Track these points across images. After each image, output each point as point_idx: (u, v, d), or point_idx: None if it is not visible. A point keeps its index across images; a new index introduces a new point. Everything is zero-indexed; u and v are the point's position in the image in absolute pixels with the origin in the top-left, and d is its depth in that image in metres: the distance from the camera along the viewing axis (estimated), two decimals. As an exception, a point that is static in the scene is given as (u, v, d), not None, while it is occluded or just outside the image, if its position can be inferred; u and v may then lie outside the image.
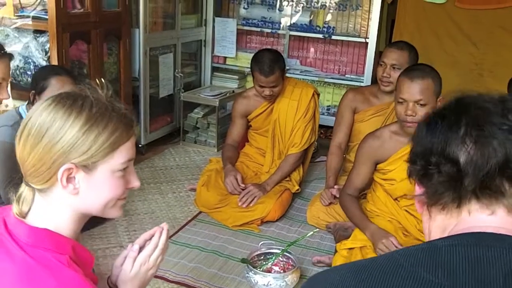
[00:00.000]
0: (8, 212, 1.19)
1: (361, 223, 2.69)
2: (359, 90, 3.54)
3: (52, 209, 1.18)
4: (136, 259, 1.38)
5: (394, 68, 3.14)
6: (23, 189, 1.19)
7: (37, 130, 1.13)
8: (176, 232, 3.12)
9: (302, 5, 4.88)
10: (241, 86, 5.10)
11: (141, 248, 1.41)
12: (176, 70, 4.66)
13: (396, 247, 2.45)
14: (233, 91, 4.85)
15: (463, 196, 0.88)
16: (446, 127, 0.91)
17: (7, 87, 1.87)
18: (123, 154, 1.19)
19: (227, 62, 5.18)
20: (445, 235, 0.90)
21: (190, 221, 3.29)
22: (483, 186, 0.86)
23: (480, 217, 0.88)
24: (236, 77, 5.09)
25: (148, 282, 1.40)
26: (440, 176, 0.89)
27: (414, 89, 2.45)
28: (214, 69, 5.21)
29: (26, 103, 2.64)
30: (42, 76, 2.63)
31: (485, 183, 0.86)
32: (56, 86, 2.55)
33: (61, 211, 1.19)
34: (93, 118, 1.14)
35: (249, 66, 4.90)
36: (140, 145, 4.27)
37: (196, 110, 4.75)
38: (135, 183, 1.25)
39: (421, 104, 2.46)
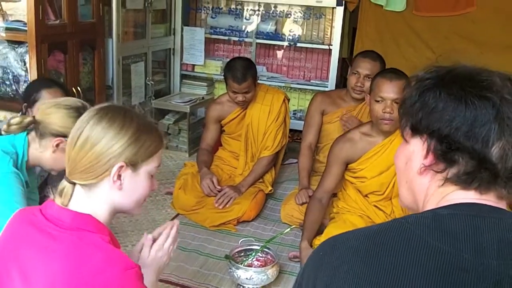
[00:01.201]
0: (44, 206, 1.37)
1: (304, 233, 2.90)
2: (327, 93, 3.75)
3: (92, 201, 1.39)
4: (152, 247, 1.58)
5: (367, 78, 3.32)
6: (65, 185, 1.38)
7: (94, 138, 1.35)
8: (157, 234, 3.25)
9: (267, 14, 5.07)
10: (209, 92, 5.26)
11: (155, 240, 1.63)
12: (147, 78, 4.78)
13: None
14: (203, 98, 5.00)
15: (493, 184, 0.99)
16: (474, 109, 0.97)
17: None
18: (158, 159, 1.46)
19: (195, 70, 5.33)
20: (444, 203, 1.01)
21: (168, 223, 3.42)
22: (508, 184, 0.99)
23: (477, 193, 1.00)
24: (205, 84, 5.24)
25: (163, 267, 1.61)
26: (468, 164, 0.98)
27: (392, 88, 2.66)
28: (183, 77, 5.34)
29: (20, 114, 2.74)
30: (33, 89, 2.73)
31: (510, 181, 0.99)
32: (47, 97, 2.66)
33: (100, 204, 1.39)
34: (143, 125, 1.41)
35: (217, 73, 5.13)
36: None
37: (167, 117, 4.88)
38: (155, 186, 1.49)
39: (398, 103, 2.66)
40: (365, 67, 3.35)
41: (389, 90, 2.68)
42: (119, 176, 1.38)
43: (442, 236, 0.93)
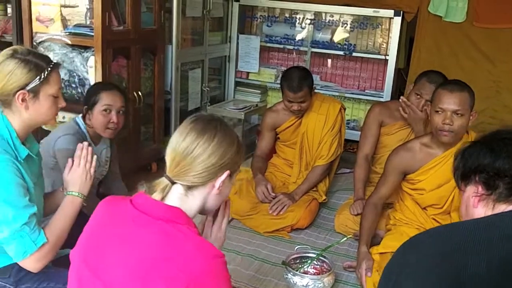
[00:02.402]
0: (135, 197, 1.49)
1: (361, 238, 2.91)
2: (386, 104, 3.73)
3: (188, 199, 1.52)
4: (212, 227, 1.73)
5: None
6: (166, 183, 1.52)
7: (210, 150, 1.51)
8: (212, 237, 3.30)
9: (323, 23, 5.09)
10: (263, 100, 5.31)
11: None
12: (203, 84, 4.87)
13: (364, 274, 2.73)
14: (256, 105, 5.06)
15: None
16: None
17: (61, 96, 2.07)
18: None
19: (249, 77, 5.40)
20: None
21: (223, 227, 3.47)
22: None
23: None
24: (259, 91, 5.30)
25: (222, 244, 1.74)
26: (506, 187, 1.36)
27: (453, 100, 2.63)
28: (237, 84, 5.42)
29: (81, 115, 2.84)
30: (93, 91, 2.85)
31: None
32: (105, 100, 2.76)
33: (195, 202, 1.54)
34: (240, 141, 1.61)
35: (271, 81, 5.18)
36: (170, 156, 4.48)
37: (221, 123, 4.94)
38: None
39: (458, 115, 2.64)
40: (429, 92, 3.08)
41: (450, 102, 2.65)
42: (221, 183, 1.54)
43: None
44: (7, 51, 1.91)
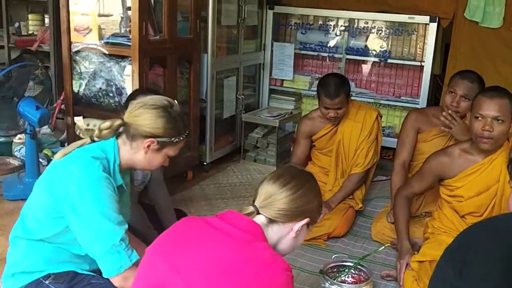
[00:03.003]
0: (222, 213, 1.65)
1: (401, 233, 2.99)
2: (422, 111, 3.69)
3: (267, 232, 1.65)
4: None
5: (463, 98, 3.22)
6: (252, 210, 1.65)
7: (298, 195, 1.66)
8: (248, 246, 3.31)
9: (357, 29, 5.07)
10: (297, 107, 5.31)
11: None
12: (238, 92, 4.90)
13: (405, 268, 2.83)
14: (291, 112, 5.07)
15: None
16: None
17: None
18: None
19: (284, 85, 5.40)
20: None
21: (259, 235, 3.47)
22: None
23: None
24: (293, 99, 5.29)
25: None
26: None
27: (493, 106, 2.60)
28: (271, 91, 5.42)
29: None
30: (131, 97, 2.87)
31: None
32: None
33: (271, 237, 1.66)
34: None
35: (305, 88, 5.18)
36: (205, 163, 4.52)
37: (256, 130, 4.96)
38: None
39: (498, 121, 2.60)
40: (463, 87, 3.24)
41: (490, 108, 2.62)
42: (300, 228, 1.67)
43: None
44: (166, 101, 2.02)
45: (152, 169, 2.15)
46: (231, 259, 1.48)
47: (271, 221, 1.65)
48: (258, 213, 1.65)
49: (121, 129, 2.01)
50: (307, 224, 1.70)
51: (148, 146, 1.98)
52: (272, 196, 1.64)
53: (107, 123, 1.98)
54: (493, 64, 4.61)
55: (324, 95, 3.50)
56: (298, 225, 1.66)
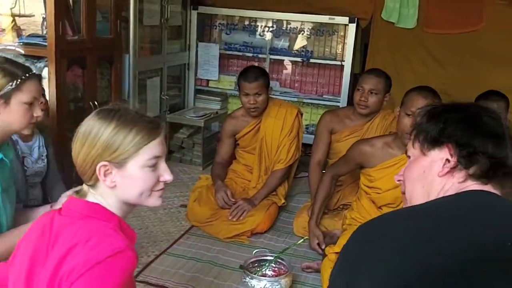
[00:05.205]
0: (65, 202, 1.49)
1: (315, 211, 3.24)
2: (335, 112, 3.82)
3: (100, 198, 1.47)
4: None
5: (371, 93, 3.40)
6: (83, 186, 1.49)
7: (81, 136, 1.45)
8: (172, 245, 3.31)
9: (281, 30, 5.16)
10: (223, 107, 5.34)
11: None
12: (162, 93, 4.87)
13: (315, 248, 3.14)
14: (217, 112, 5.10)
15: (507, 181, 1.30)
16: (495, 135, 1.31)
17: (39, 105, 2.07)
18: (149, 152, 1.45)
19: (210, 85, 5.42)
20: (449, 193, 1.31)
21: (183, 234, 3.48)
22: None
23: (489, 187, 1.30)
24: (219, 99, 5.32)
25: None
26: (486, 164, 1.28)
27: (425, 105, 2.72)
28: (197, 91, 5.43)
29: None
30: None
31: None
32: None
33: (106, 199, 1.47)
34: (120, 124, 1.44)
35: (231, 88, 5.22)
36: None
37: (181, 131, 4.95)
38: (167, 177, 1.51)
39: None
40: (369, 83, 3.41)
41: (421, 106, 2.73)
42: (107, 175, 1.44)
43: (464, 202, 1.25)
44: None
45: (25, 126, 2.07)
46: (61, 259, 1.35)
47: (91, 186, 1.50)
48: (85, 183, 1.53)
49: None
50: (117, 163, 1.46)
51: None
52: (74, 160, 1.50)
53: None
54: (409, 64, 4.80)
55: (243, 80, 3.62)
56: (100, 175, 1.45)
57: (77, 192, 1.51)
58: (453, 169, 1.30)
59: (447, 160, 1.31)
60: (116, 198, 1.48)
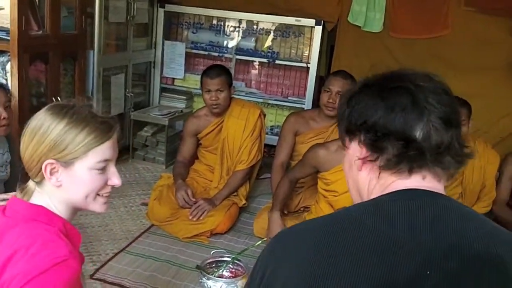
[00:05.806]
0: (8, 203, 1.45)
1: (275, 204, 3.31)
2: (300, 114, 3.86)
3: (45, 197, 1.44)
4: None
5: (339, 94, 3.44)
6: (30, 182, 1.46)
7: (30, 131, 1.42)
8: (130, 243, 3.30)
9: (248, 31, 5.18)
10: (188, 106, 5.34)
11: None
12: (127, 90, 4.85)
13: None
14: (181, 111, 5.09)
15: (419, 165, 1.08)
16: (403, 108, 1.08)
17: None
18: (99, 154, 1.41)
19: (175, 83, 5.41)
20: (386, 192, 1.10)
21: (143, 233, 3.47)
22: (437, 160, 1.08)
23: (418, 180, 1.09)
24: (184, 97, 5.32)
25: None
26: (395, 148, 1.07)
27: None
28: (162, 90, 5.42)
29: None
30: None
31: (439, 158, 1.08)
32: None
33: (51, 199, 1.44)
34: (72, 123, 1.39)
35: (196, 87, 5.22)
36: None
37: (145, 129, 4.94)
38: (115, 181, 1.47)
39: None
40: (337, 84, 3.47)
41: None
42: (53, 173, 1.41)
43: (380, 218, 1.03)
44: None
45: None
46: (5, 265, 1.31)
47: (37, 184, 1.46)
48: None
49: None
50: (64, 163, 1.41)
51: None
52: (22, 155, 1.48)
53: None
54: (374, 67, 4.85)
55: (205, 76, 3.65)
56: (46, 173, 1.40)
57: (22, 189, 1.47)
58: (366, 162, 1.13)
59: (359, 152, 1.14)
60: (62, 198, 1.44)
